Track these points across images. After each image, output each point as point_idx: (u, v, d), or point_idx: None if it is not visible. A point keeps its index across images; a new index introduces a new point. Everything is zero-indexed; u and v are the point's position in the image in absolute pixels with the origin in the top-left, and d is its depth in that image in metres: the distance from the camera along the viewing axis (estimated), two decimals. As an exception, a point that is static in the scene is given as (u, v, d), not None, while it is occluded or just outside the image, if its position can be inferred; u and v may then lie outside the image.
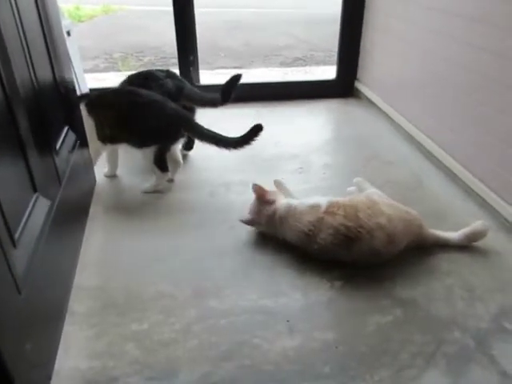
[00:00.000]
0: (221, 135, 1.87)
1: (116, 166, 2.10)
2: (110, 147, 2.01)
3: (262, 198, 1.60)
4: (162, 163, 1.94)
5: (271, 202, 1.60)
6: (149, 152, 1.90)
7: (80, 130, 1.81)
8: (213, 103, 2.13)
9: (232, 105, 2.29)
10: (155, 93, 1.98)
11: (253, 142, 1.83)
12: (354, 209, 1.46)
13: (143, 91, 1.96)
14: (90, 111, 1.92)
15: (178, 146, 2.07)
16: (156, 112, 1.87)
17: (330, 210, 1.48)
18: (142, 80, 2.13)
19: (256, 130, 1.83)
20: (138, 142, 1.90)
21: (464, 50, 1.90)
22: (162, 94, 1.97)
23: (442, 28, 2.06)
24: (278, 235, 1.59)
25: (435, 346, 1.21)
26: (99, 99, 1.96)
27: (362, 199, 1.55)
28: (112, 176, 2.09)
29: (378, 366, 1.16)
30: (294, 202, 1.61)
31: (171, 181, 2.05)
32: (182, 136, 1.97)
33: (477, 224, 1.59)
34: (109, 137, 1.94)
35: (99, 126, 1.93)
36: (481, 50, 1.78)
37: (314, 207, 1.52)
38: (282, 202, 1.61)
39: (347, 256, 1.45)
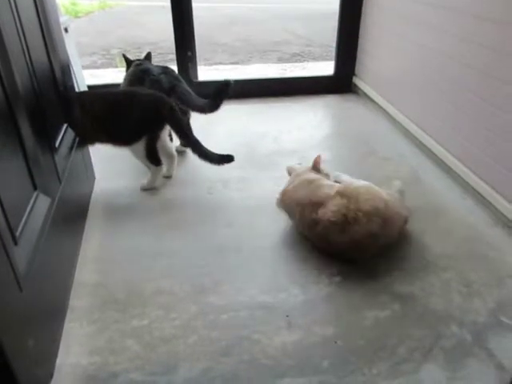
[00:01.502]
0: (197, 139, 1.88)
1: None
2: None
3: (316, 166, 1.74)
4: (154, 157, 1.93)
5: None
6: (139, 147, 1.90)
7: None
8: (200, 109, 2.09)
9: (231, 101, 2.29)
10: (141, 87, 2.00)
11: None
12: (356, 192, 1.50)
13: (114, 90, 1.98)
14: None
15: (168, 139, 2.07)
16: (130, 104, 1.86)
17: (341, 191, 1.52)
18: (139, 74, 2.14)
19: (226, 160, 1.86)
20: (126, 138, 1.89)
21: (462, 45, 1.90)
22: (154, 90, 1.97)
23: (439, 24, 2.07)
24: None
25: (433, 340, 1.23)
26: (79, 100, 1.92)
27: (365, 183, 1.61)
28: None
29: (377, 360, 1.17)
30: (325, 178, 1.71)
31: (170, 177, 2.06)
32: (165, 120, 1.92)
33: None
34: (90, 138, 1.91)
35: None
36: (479, 46, 1.78)
37: (332, 186, 1.58)
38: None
39: (343, 239, 1.45)
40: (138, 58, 2.36)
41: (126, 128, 1.87)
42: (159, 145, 1.94)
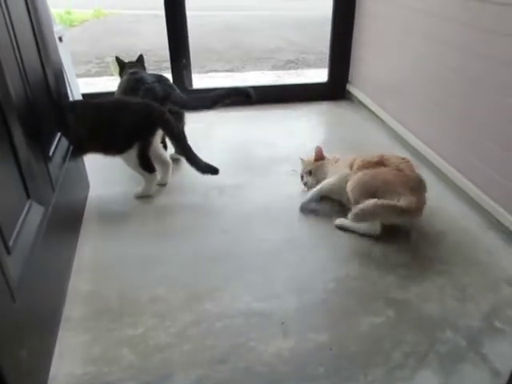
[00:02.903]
0: (188, 145, 1.88)
1: None
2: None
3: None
4: (147, 164, 1.93)
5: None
6: (131, 155, 1.90)
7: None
8: (201, 107, 2.11)
9: (225, 108, 2.31)
10: (138, 96, 2.01)
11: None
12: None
13: (105, 100, 2.00)
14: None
15: (161, 146, 2.07)
16: (120, 112, 1.87)
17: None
18: (133, 83, 2.14)
19: (212, 170, 1.88)
20: (118, 146, 1.89)
21: (453, 52, 1.92)
22: (148, 98, 1.99)
23: (432, 31, 2.09)
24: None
25: (427, 346, 1.23)
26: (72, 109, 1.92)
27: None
28: None
29: (372, 366, 1.17)
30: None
31: (164, 185, 2.06)
32: (157, 127, 1.93)
33: None
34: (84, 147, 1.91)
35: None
36: (470, 53, 1.80)
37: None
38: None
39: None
40: (130, 60, 2.38)
41: (117, 135, 1.87)
42: (152, 152, 1.94)
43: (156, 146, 1.99)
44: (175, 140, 1.93)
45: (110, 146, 1.90)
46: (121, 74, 2.34)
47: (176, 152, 2.28)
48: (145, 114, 1.88)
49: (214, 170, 1.88)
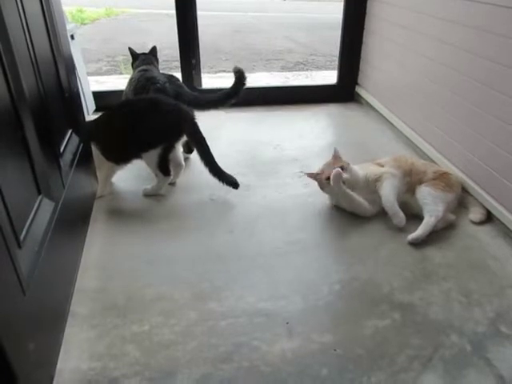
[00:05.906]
0: (212, 155, 1.91)
1: (111, 186, 2.07)
2: (120, 167, 2.02)
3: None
4: (165, 166, 1.95)
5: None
6: (154, 155, 1.91)
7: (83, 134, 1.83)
8: (214, 104, 2.14)
9: (234, 108, 2.33)
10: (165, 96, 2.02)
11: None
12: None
13: (138, 98, 2.03)
14: (94, 139, 1.93)
15: (180, 149, 2.09)
16: (155, 110, 1.88)
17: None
18: (143, 82, 2.16)
19: (233, 184, 1.92)
20: (146, 143, 1.91)
21: (463, 56, 1.92)
22: None
23: (441, 35, 2.08)
24: None
25: (432, 350, 1.23)
26: (97, 124, 1.98)
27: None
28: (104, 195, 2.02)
29: (376, 369, 1.17)
30: None
31: (173, 184, 2.07)
32: (183, 133, 1.95)
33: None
34: (120, 155, 1.96)
35: (107, 148, 1.95)
36: (480, 58, 1.80)
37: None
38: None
39: None
40: (143, 52, 2.40)
41: (144, 135, 1.88)
42: (172, 155, 1.96)
43: (178, 150, 2.02)
44: (199, 148, 1.93)
45: (140, 143, 1.91)
46: (133, 65, 2.37)
47: (185, 151, 2.29)
48: (174, 119, 1.90)
49: (234, 185, 1.92)
